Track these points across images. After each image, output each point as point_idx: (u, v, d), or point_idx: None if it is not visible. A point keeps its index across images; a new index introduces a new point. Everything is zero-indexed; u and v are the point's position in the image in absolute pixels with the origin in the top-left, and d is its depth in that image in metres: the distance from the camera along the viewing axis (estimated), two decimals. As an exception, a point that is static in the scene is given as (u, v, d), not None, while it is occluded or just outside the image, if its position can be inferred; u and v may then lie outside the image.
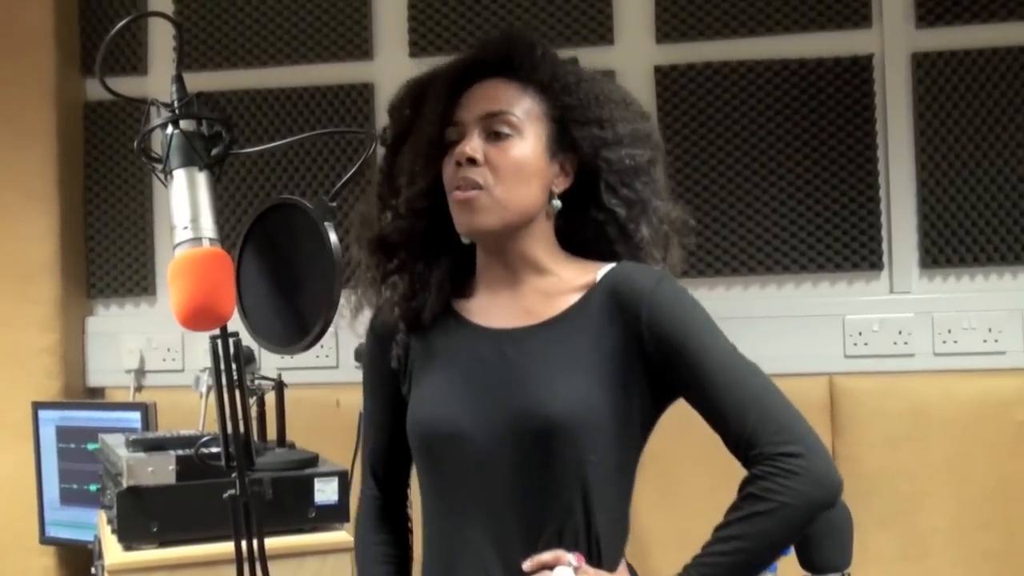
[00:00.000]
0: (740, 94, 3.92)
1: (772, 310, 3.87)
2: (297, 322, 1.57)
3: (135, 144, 1.55)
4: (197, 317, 1.44)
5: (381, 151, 1.90)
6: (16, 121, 4.04)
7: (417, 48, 4.08)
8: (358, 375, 3.81)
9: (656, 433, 1.80)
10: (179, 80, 1.53)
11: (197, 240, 1.47)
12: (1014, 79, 3.80)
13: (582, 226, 1.83)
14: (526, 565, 1.68)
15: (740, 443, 1.65)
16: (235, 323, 1.51)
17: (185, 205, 1.49)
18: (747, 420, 1.64)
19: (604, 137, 1.79)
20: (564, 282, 1.80)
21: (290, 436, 3.22)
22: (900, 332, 3.79)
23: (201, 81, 3.92)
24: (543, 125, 1.79)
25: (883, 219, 3.85)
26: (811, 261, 3.87)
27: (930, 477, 3.71)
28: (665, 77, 3.96)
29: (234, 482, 1.53)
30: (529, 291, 1.80)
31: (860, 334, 3.81)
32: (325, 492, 2.96)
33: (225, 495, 1.53)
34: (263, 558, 1.56)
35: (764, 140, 3.90)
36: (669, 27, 3.98)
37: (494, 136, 1.76)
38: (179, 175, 1.50)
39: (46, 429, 3.78)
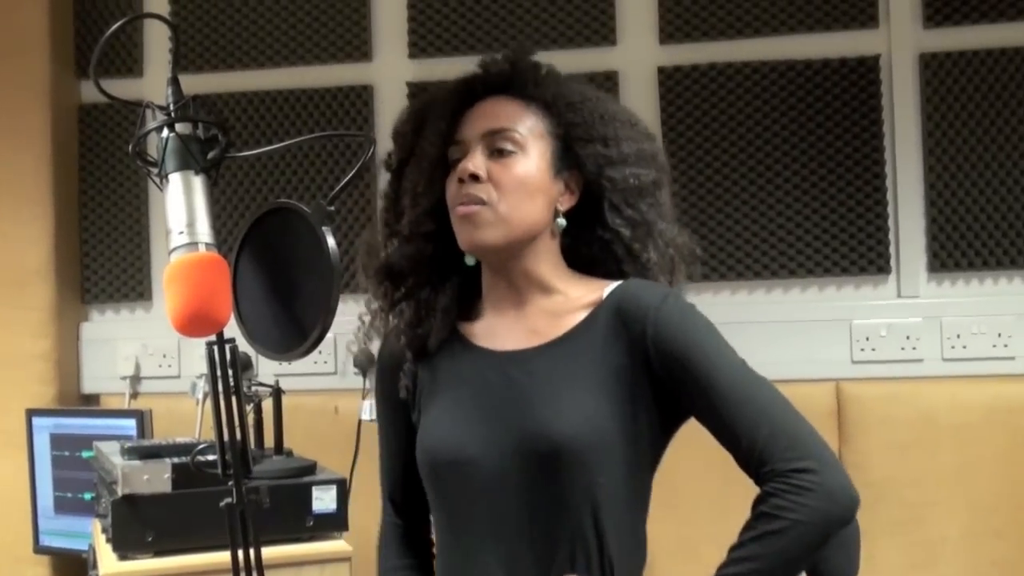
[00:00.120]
0: (745, 95, 3.89)
1: (778, 315, 3.83)
2: (294, 328, 1.55)
3: (130, 147, 1.53)
4: (193, 323, 1.42)
5: (386, 176, 1.90)
6: (10, 123, 4.02)
7: (417, 49, 4.06)
8: (357, 382, 3.89)
9: (659, 441, 1.78)
10: (175, 82, 1.51)
11: (193, 245, 1.45)
12: (1023, 80, 3.77)
13: (589, 244, 1.83)
14: None
15: (751, 460, 1.62)
16: (232, 329, 1.50)
17: (181, 209, 1.47)
18: (758, 437, 1.61)
19: (608, 155, 1.78)
20: (570, 301, 1.79)
21: (288, 443, 3.21)
22: (908, 337, 3.76)
23: (197, 83, 3.95)
24: (547, 143, 1.79)
25: (891, 222, 3.82)
26: (817, 265, 3.84)
27: (939, 485, 3.67)
28: (668, 78, 3.93)
29: (231, 490, 1.51)
30: (535, 311, 1.80)
31: (867, 339, 3.77)
32: (323, 500, 2.96)
33: (222, 504, 1.52)
34: (260, 568, 1.54)
35: (769, 142, 3.87)
36: (672, 27, 3.94)
37: (497, 153, 1.76)
38: (175, 179, 1.48)
39: (40, 436, 3.77)
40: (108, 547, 2.80)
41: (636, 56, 3.97)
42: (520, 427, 1.70)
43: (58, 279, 4.05)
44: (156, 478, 2.77)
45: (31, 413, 3.80)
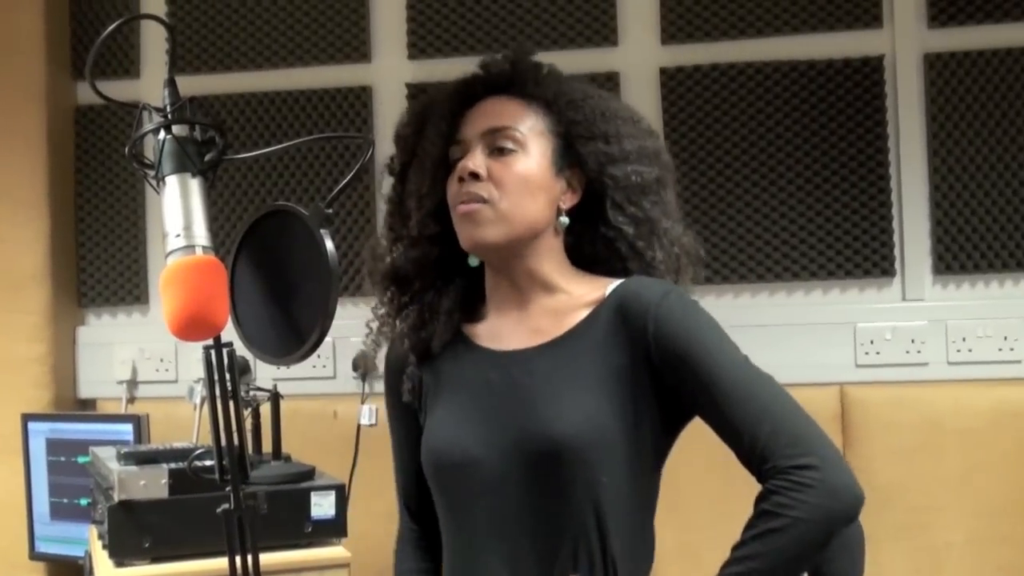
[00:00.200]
0: (747, 96, 3.87)
1: (781, 318, 3.81)
2: (292, 332, 1.53)
3: (126, 150, 1.52)
4: (190, 327, 1.41)
5: (386, 179, 1.91)
6: (5, 125, 4.00)
7: (416, 50, 4.04)
8: (356, 386, 3.87)
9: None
10: (171, 84, 1.50)
11: (190, 248, 1.43)
12: (1029, 80, 3.76)
13: (593, 243, 1.84)
14: None
15: (753, 457, 1.61)
16: (229, 333, 1.49)
17: (178, 212, 1.45)
18: (759, 433, 1.60)
19: (610, 153, 1.79)
20: (573, 299, 1.79)
21: (286, 448, 3.20)
22: (913, 340, 3.74)
23: (195, 84, 3.94)
24: (548, 141, 1.79)
25: (895, 224, 3.81)
26: (821, 268, 3.82)
27: (944, 490, 3.66)
28: (670, 79, 3.91)
29: (228, 496, 1.50)
30: (538, 310, 1.80)
31: (872, 343, 3.76)
32: (322, 506, 2.96)
33: (219, 510, 1.50)
34: (258, 575, 1.53)
35: (772, 144, 3.85)
36: (675, 28, 3.93)
37: (498, 151, 1.77)
38: (171, 181, 1.47)
39: (36, 441, 3.75)
40: (104, 554, 2.79)
41: (638, 57, 3.95)
42: (521, 427, 1.70)
43: (54, 282, 4.04)
44: (153, 484, 2.77)
45: (27, 418, 3.78)
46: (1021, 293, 3.76)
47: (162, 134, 1.47)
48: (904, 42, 3.82)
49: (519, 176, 1.75)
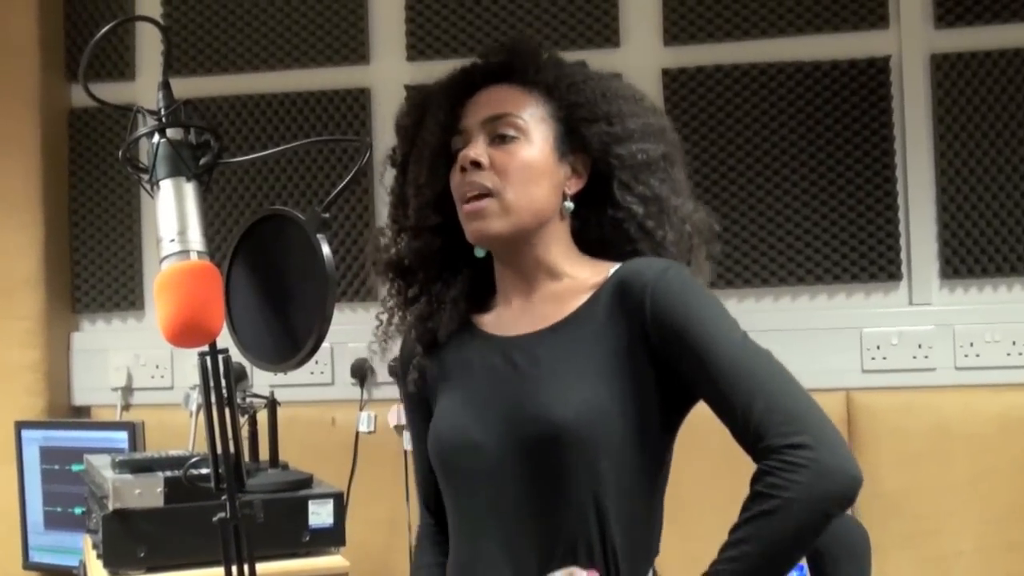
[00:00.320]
0: (752, 98, 3.85)
1: (786, 323, 3.78)
2: (289, 338, 1.55)
3: (120, 153, 1.54)
4: (185, 333, 1.43)
5: (391, 172, 1.91)
6: (-2, 128, 4.01)
7: (415, 52, 4.02)
8: (354, 392, 3.85)
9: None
10: (166, 86, 1.52)
11: (184, 253, 1.47)
12: (1036, 81, 3.75)
13: (600, 226, 1.82)
14: None
15: (747, 436, 1.58)
16: (225, 339, 1.49)
17: (172, 217, 1.48)
18: (753, 410, 1.57)
19: (613, 133, 1.78)
20: (577, 283, 1.78)
21: (283, 456, 3.20)
22: (920, 345, 3.72)
23: (190, 87, 3.93)
24: (550, 126, 1.79)
25: (901, 227, 3.79)
26: (827, 272, 3.80)
27: (952, 496, 3.64)
28: (673, 80, 3.89)
29: (224, 505, 1.51)
30: (543, 296, 1.80)
31: (878, 348, 3.74)
32: (320, 515, 2.96)
33: (215, 518, 1.52)
34: None
35: (777, 146, 3.84)
36: (677, 28, 3.91)
37: (499, 139, 1.76)
38: (166, 186, 1.49)
39: (29, 449, 3.75)
40: (99, 563, 2.78)
41: (640, 58, 3.93)
42: (521, 411, 1.69)
43: (48, 288, 4.03)
44: (148, 492, 2.77)
45: (20, 425, 3.78)
46: (1030, 297, 3.76)
47: (156, 138, 1.49)
48: (911, 43, 3.81)
49: (522, 163, 1.74)
